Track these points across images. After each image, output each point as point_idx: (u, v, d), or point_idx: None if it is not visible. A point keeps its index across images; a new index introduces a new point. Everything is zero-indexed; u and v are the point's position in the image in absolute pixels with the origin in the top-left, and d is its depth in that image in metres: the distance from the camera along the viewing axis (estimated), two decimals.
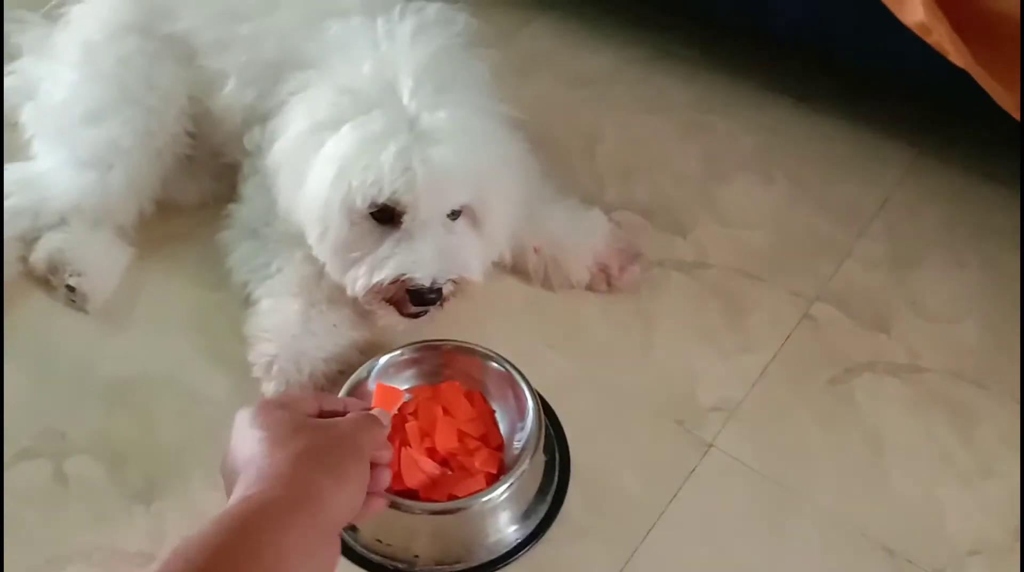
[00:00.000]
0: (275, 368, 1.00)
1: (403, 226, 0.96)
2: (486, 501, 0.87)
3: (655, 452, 1.00)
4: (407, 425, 0.92)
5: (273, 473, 0.63)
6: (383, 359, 0.98)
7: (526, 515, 0.91)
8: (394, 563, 0.87)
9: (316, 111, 0.97)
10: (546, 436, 0.94)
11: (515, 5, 1.70)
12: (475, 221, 1.00)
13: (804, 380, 1.08)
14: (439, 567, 0.88)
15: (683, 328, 1.13)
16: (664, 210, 1.29)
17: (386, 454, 0.74)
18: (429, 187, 0.92)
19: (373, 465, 0.71)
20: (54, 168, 1.15)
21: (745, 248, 1.24)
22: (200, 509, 0.92)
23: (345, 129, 0.93)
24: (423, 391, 0.98)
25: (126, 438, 0.99)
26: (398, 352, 0.99)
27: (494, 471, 0.91)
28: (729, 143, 1.43)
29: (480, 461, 0.91)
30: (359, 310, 1.06)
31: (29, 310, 1.11)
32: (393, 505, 0.84)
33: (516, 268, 1.18)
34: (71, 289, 1.10)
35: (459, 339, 1.01)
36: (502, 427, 0.97)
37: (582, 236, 1.16)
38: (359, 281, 0.98)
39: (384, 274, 0.96)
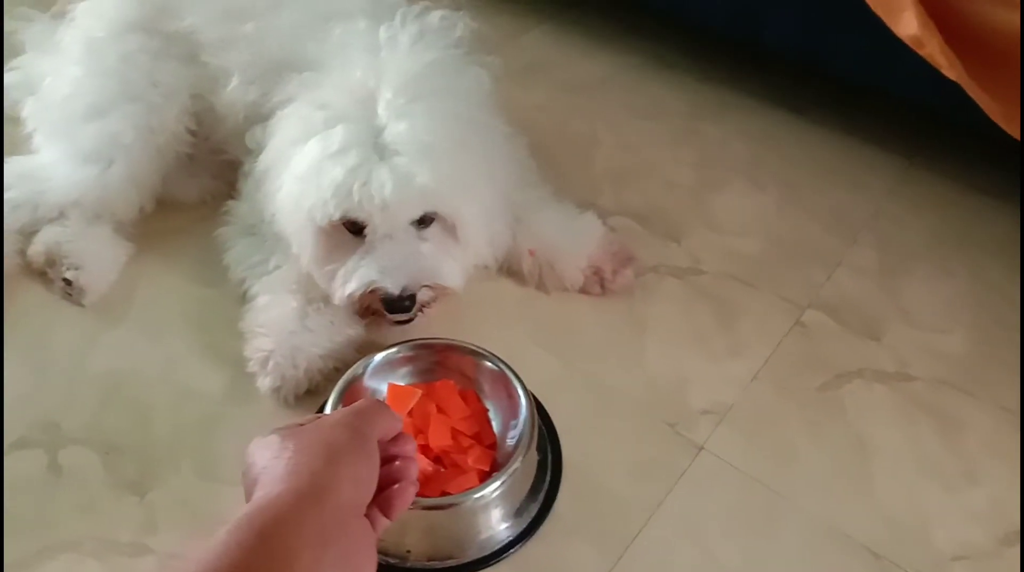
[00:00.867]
0: (271, 363, 1.01)
1: (367, 238, 0.98)
2: (478, 498, 0.87)
3: (646, 453, 1.01)
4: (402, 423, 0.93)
5: (279, 474, 0.63)
6: (378, 357, 0.99)
7: (518, 513, 0.92)
8: (386, 558, 0.88)
9: (293, 125, 0.99)
10: (539, 435, 0.95)
11: (513, 13, 1.72)
12: (448, 228, 1.01)
13: (794, 386, 1.09)
14: (431, 562, 0.88)
15: (676, 332, 1.14)
16: (658, 216, 1.31)
17: (408, 447, 0.74)
18: (384, 201, 0.93)
19: (394, 457, 0.72)
20: (55, 162, 1.15)
21: (737, 255, 1.26)
22: (192, 501, 0.93)
23: (310, 145, 0.95)
24: (417, 389, 0.98)
25: (120, 430, 0.99)
26: (393, 350, 1.00)
27: (487, 469, 0.92)
28: (722, 151, 1.44)
29: (473, 459, 0.92)
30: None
31: (28, 302, 1.12)
32: None
33: (511, 270, 1.19)
34: (68, 282, 1.10)
35: (454, 338, 1.02)
36: (495, 426, 0.97)
37: (576, 239, 1.18)
38: (336, 293, 1.01)
39: (352, 286, 0.99)
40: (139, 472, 0.95)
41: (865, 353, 1.13)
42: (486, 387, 1.00)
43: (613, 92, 1.56)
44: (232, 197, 1.18)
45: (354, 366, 0.97)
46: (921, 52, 1.09)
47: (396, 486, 0.71)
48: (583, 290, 1.17)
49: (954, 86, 1.09)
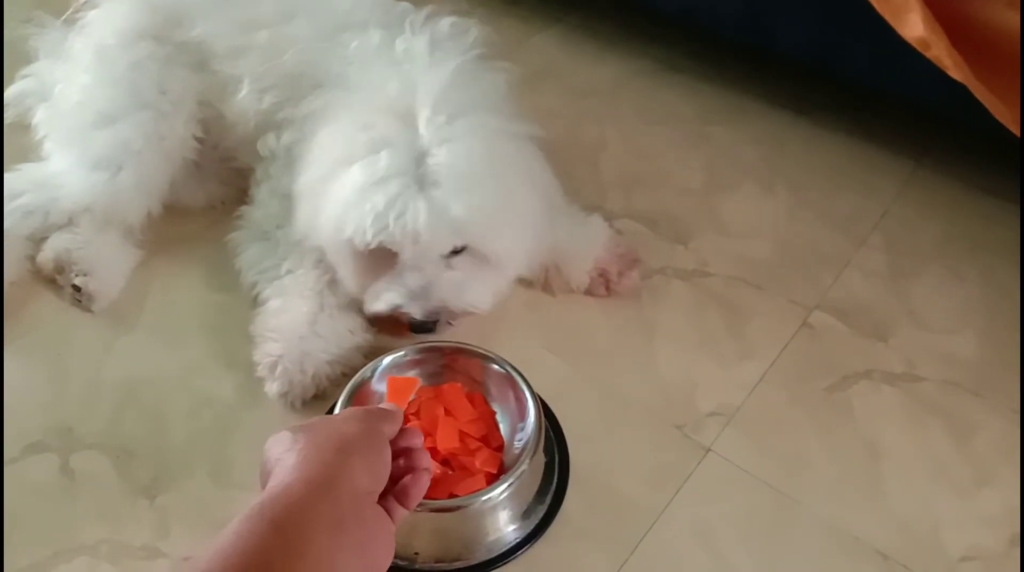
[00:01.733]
0: (279, 368, 1.01)
1: (399, 264, 1.00)
2: (486, 500, 0.88)
3: (654, 455, 1.01)
4: (409, 424, 0.93)
5: (291, 465, 0.64)
6: (386, 360, 0.99)
7: (525, 515, 0.92)
8: (394, 560, 0.87)
9: (335, 147, 1.00)
10: (546, 438, 0.95)
11: (521, 17, 1.73)
12: (480, 256, 1.02)
13: (802, 387, 1.09)
14: (439, 564, 0.89)
15: (683, 334, 1.15)
16: (666, 219, 1.31)
17: (416, 440, 0.75)
18: (417, 233, 0.95)
19: (403, 451, 0.73)
20: (65, 169, 1.16)
21: (745, 257, 1.26)
22: (205, 505, 0.94)
23: (354, 170, 0.97)
24: (425, 392, 0.98)
25: (133, 434, 1.00)
26: (401, 353, 1.00)
27: (494, 471, 0.92)
28: (731, 154, 1.44)
29: (481, 461, 0.93)
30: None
31: (42, 308, 1.13)
32: None
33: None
34: (77, 289, 1.11)
35: (461, 341, 1.03)
36: (503, 428, 0.98)
37: (583, 242, 1.18)
38: (366, 306, 1.04)
39: (380, 307, 1.02)
40: (152, 476, 0.96)
41: (873, 355, 1.13)
42: (493, 390, 1.00)
43: (622, 96, 1.56)
44: (241, 203, 1.18)
45: (362, 369, 0.98)
46: (927, 54, 1.09)
47: (410, 476, 0.72)
48: (588, 292, 1.18)
49: (962, 88, 1.09)
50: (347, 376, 1.02)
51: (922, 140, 1.46)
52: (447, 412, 0.96)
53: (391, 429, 0.72)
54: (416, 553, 0.88)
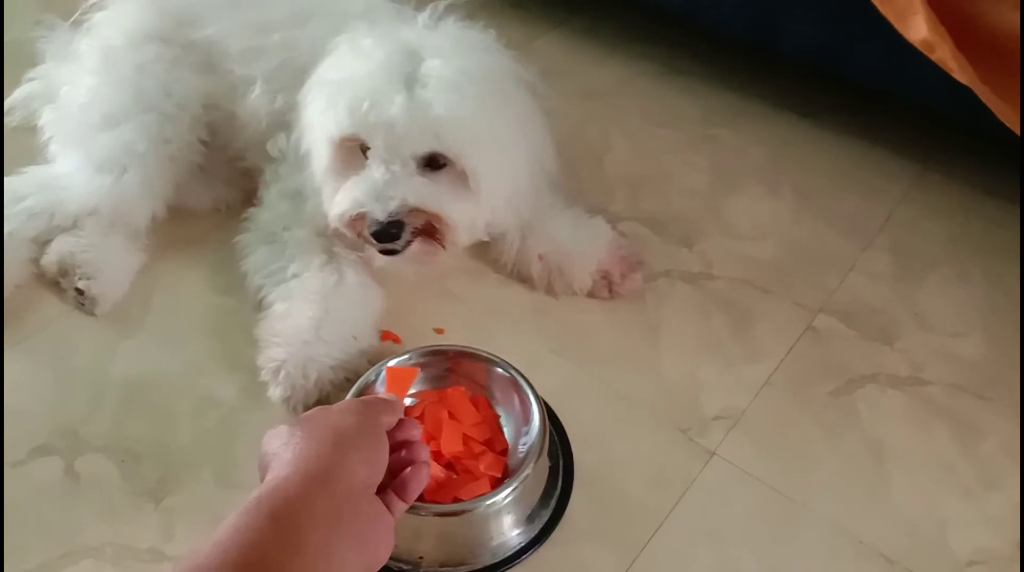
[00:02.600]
0: (282, 373, 1.01)
1: (368, 161, 0.98)
2: (490, 504, 0.88)
3: (659, 459, 1.01)
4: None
5: (287, 459, 0.64)
6: (391, 363, 0.99)
7: (530, 519, 0.92)
8: (399, 564, 0.88)
9: (337, 57, 1.01)
10: (550, 441, 0.95)
11: (526, 20, 1.73)
12: (460, 176, 1.00)
13: (807, 391, 1.09)
14: (443, 568, 0.88)
15: (688, 337, 1.14)
16: (671, 221, 1.31)
17: (415, 432, 0.75)
18: (390, 122, 0.94)
19: (402, 444, 0.73)
20: (70, 171, 1.17)
21: (750, 260, 1.25)
22: (209, 507, 0.94)
23: (346, 58, 0.98)
24: (429, 396, 0.99)
25: (138, 437, 1.00)
26: (405, 356, 1.00)
27: (499, 475, 0.93)
28: (736, 157, 1.44)
29: (485, 465, 0.93)
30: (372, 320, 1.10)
31: (48, 311, 1.13)
32: None
33: (521, 275, 1.20)
34: (80, 292, 1.11)
35: (465, 345, 1.03)
36: (507, 432, 0.98)
37: (585, 244, 1.18)
38: (330, 212, 1.02)
39: (342, 207, 0.99)
40: (157, 479, 0.96)
41: (879, 358, 1.13)
42: (498, 394, 1.00)
43: (627, 98, 1.56)
44: (246, 206, 1.18)
45: (366, 373, 0.98)
46: (932, 56, 1.09)
47: (409, 469, 0.72)
48: (591, 294, 1.18)
49: (967, 90, 1.09)
50: (351, 381, 1.02)
51: (928, 143, 1.46)
52: (451, 416, 0.96)
53: (389, 420, 0.73)
54: (421, 557, 0.88)
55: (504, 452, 0.96)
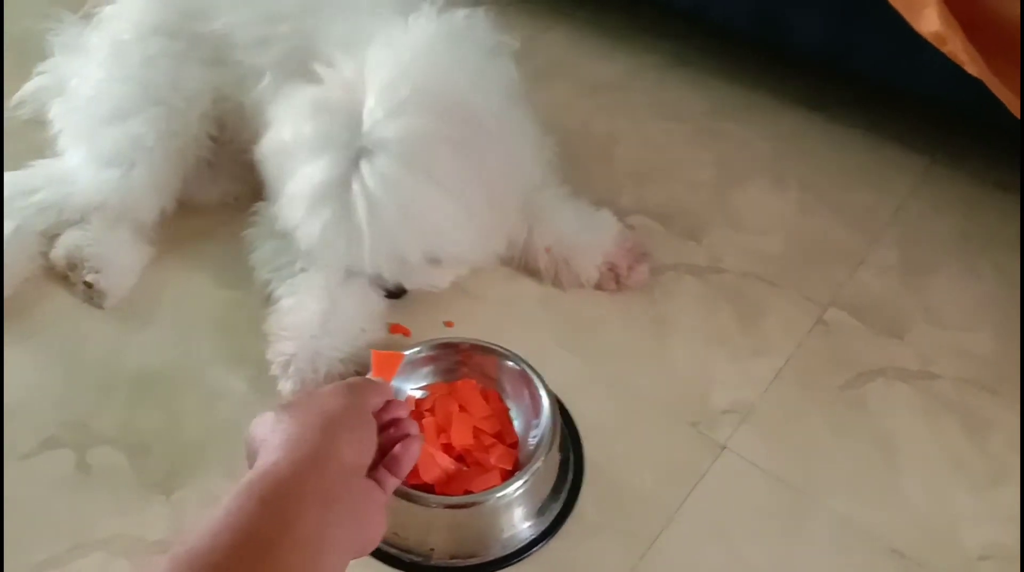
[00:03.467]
0: (292, 368, 1.02)
1: None
2: (501, 496, 0.88)
3: (668, 453, 1.01)
4: (424, 421, 0.94)
5: (276, 444, 0.64)
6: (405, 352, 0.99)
7: (540, 512, 0.92)
8: (410, 556, 0.88)
9: (291, 123, 1.00)
10: (560, 435, 0.95)
11: (533, 13, 1.72)
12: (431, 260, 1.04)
13: (817, 384, 1.09)
14: (454, 560, 0.89)
15: (697, 331, 1.14)
16: (679, 215, 1.30)
17: (403, 411, 0.76)
18: (363, 265, 1.00)
19: (389, 423, 0.74)
20: (79, 165, 1.17)
21: (759, 253, 1.25)
22: (219, 499, 0.93)
23: (301, 174, 0.98)
24: (440, 388, 0.99)
25: (148, 430, 1.00)
26: (416, 349, 1.00)
27: (509, 468, 0.92)
28: (744, 150, 1.44)
29: (495, 457, 0.93)
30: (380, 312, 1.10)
31: (57, 304, 1.13)
32: (410, 498, 0.86)
33: (527, 268, 1.20)
34: (88, 286, 1.12)
35: (476, 338, 1.03)
36: (517, 425, 0.98)
37: (591, 236, 1.18)
38: None
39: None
40: (167, 471, 0.97)
41: (888, 351, 1.13)
42: (508, 387, 1.00)
43: (634, 92, 1.56)
44: (254, 200, 1.18)
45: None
46: (943, 49, 1.08)
47: (400, 444, 0.72)
48: (598, 286, 1.18)
49: (977, 83, 1.09)
50: (360, 373, 1.03)
51: (937, 136, 1.45)
52: (461, 409, 0.96)
53: (376, 401, 0.73)
54: (432, 549, 0.88)
55: (514, 445, 0.96)
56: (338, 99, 0.98)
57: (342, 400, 0.69)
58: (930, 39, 1.09)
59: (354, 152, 0.96)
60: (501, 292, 1.18)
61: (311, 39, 1.08)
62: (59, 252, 1.14)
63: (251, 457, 0.67)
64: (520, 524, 0.90)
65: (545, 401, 0.95)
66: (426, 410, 0.96)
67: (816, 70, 1.54)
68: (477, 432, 0.95)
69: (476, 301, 1.16)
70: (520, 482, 0.88)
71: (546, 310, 1.16)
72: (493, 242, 1.10)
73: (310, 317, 1.05)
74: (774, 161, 1.42)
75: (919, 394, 1.08)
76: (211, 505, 0.89)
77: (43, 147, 1.23)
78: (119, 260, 1.15)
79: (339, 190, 0.96)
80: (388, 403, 0.75)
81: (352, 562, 0.64)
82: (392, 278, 1.06)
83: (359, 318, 1.07)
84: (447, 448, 0.93)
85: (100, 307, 1.13)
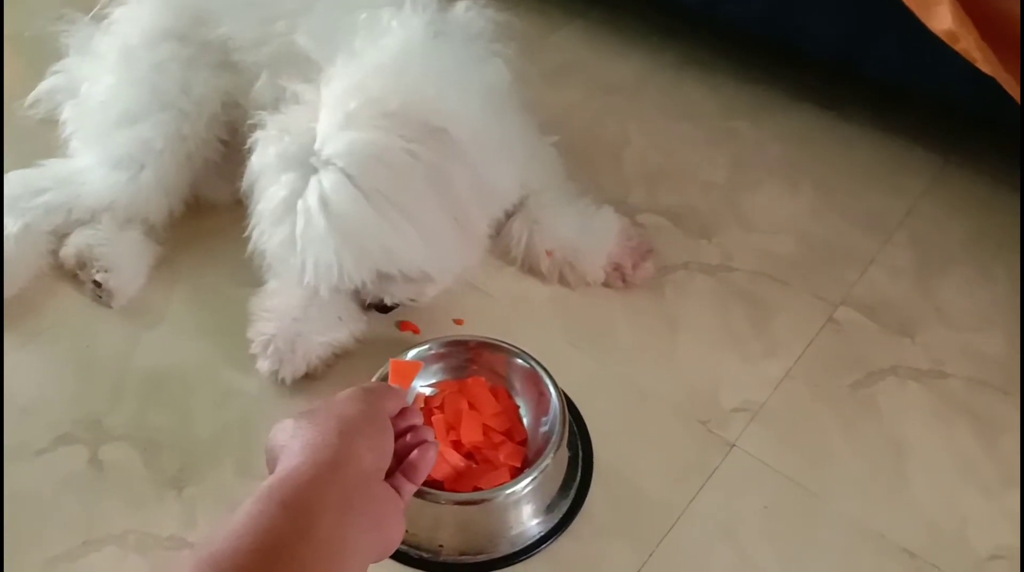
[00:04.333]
0: (271, 347, 1.03)
1: None
2: (510, 493, 0.88)
3: (678, 451, 1.01)
4: (433, 418, 0.94)
5: (296, 450, 0.65)
6: (411, 353, 1.00)
7: (549, 509, 0.92)
8: (419, 552, 0.89)
9: (260, 148, 1.01)
10: (569, 432, 0.95)
11: (544, 12, 1.73)
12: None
13: (827, 383, 1.08)
14: (463, 557, 0.89)
15: (707, 330, 1.14)
16: (690, 214, 1.30)
17: (418, 419, 0.76)
18: (334, 284, 0.99)
19: (405, 430, 0.74)
20: (89, 167, 1.18)
21: (770, 253, 1.25)
22: (231, 496, 0.94)
23: (265, 194, 0.99)
24: (449, 385, 0.99)
25: (160, 427, 1.01)
26: (426, 346, 1.01)
27: (518, 465, 0.93)
28: (756, 150, 1.44)
29: (504, 455, 0.93)
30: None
31: (68, 302, 1.14)
32: (419, 495, 0.86)
33: (531, 271, 1.20)
34: (98, 285, 1.13)
35: (486, 336, 1.03)
36: (526, 423, 0.98)
37: (594, 237, 1.18)
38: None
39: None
40: (179, 468, 0.97)
41: (899, 351, 1.12)
42: (517, 384, 1.00)
43: (646, 92, 1.56)
44: None
45: (386, 364, 0.98)
46: (956, 47, 1.08)
47: (416, 450, 0.72)
48: (605, 285, 1.18)
49: (990, 84, 1.08)
50: (340, 357, 1.06)
51: (950, 136, 1.45)
52: (471, 406, 0.97)
53: (393, 406, 0.73)
54: (441, 546, 0.89)
55: (523, 442, 0.96)
56: (297, 118, 0.99)
57: (360, 405, 0.70)
58: (943, 37, 1.09)
59: (308, 170, 0.96)
60: (511, 290, 1.18)
61: (303, 35, 1.09)
62: (69, 251, 1.15)
63: (271, 463, 0.68)
64: (529, 521, 0.91)
65: (554, 399, 0.95)
66: (436, 407, 0.96)
67: (828, 71, 1.53)
68: (486, 429, 0.95)
69: (486, 299, 1.17)
70: (529, 479, 0.89)
71: (556, 308, 1.16)
72: (465, 258, 1.10)
73: (292, 300, 1.06)
74: (786, 161, 1.41)
75: (930, 394, 1.08)
76: (223, 502, 0.93)
77: (55, 147, 1.24)
78: (128, 260, 1.16)
79: (292, 209, 0.97)
80: (404, 410, 0.76)
81: None
82: (371, 293, 1.05)
83: (337, 306, 1.08)
84: (456, 445, 0.93)
85: (108, 306, 1.14)
